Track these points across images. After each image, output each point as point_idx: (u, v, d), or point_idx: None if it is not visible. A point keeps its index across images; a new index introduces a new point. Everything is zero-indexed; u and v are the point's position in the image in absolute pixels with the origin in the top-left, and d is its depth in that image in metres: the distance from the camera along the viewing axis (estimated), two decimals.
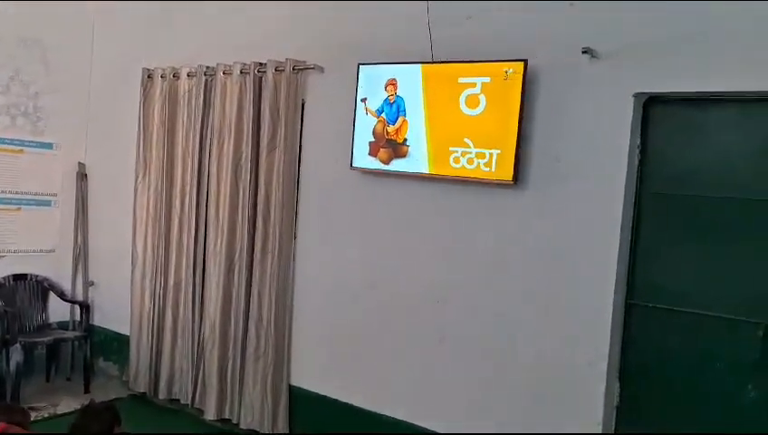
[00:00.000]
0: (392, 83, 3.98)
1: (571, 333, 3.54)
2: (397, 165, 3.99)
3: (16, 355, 5.09)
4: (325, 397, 4.48)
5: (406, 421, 4.10)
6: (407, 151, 3.94)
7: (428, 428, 4.01)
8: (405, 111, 3.95)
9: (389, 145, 4.01)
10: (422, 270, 4.09)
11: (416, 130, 3.92)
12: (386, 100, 3.99)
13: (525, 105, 3.56)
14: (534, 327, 3.66)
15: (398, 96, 3.95)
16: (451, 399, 3.96)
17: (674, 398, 3.40)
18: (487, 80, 3.64)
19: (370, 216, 4.31)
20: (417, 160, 3.91)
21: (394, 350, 4.20)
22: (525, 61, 3.53)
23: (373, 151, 4.09)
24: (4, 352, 5.09)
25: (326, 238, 4.53)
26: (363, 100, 4.11)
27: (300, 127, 4.59)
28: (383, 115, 4.01)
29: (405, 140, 3.94)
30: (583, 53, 3.42)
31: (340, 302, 4.45)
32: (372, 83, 4.09)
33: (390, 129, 3.99)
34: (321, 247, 4.55)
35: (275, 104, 4.60)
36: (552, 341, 3.60)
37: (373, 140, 4.09)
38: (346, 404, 4.36)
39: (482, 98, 3.67)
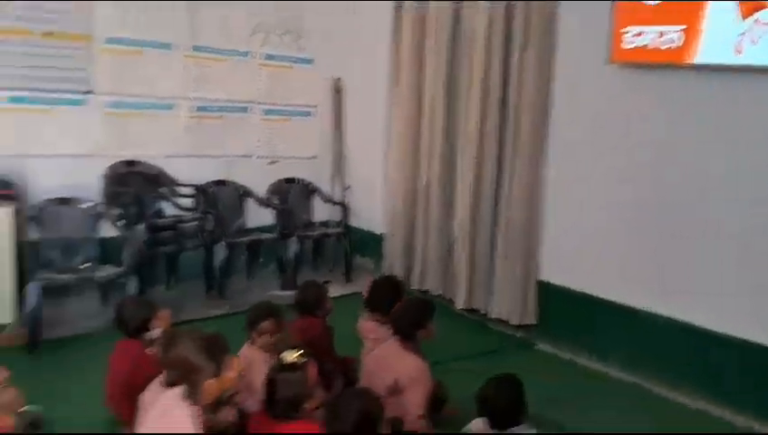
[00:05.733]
0: None
1: None
2: None
3: (293, 246, 5.87)
4: (573, 290, 4.61)
5: (662, 315, 4.12)
6: None
7: (690, 321, 3.99)
8: None
9: None
10: (682, 165, 4.03)
11: None
12: None
13: None
14: None
15: None
16: (715, 295, 3.87)
17: None
18: None
19: (628, 110, 4.27)
20: None
21: (649, 245, 4.20)
22: None
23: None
24: (284, 243, 5.87)
25: (579, 135, 4.56)
26: None
27: (554, 27, 4.61)
28: None
29: None
30: None
31: (594, 198, 4.49)
32: None
33: None
34: (574, 145, 4.59)
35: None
36: None
37: None
38: (597, 298, 4.45)
39: None
